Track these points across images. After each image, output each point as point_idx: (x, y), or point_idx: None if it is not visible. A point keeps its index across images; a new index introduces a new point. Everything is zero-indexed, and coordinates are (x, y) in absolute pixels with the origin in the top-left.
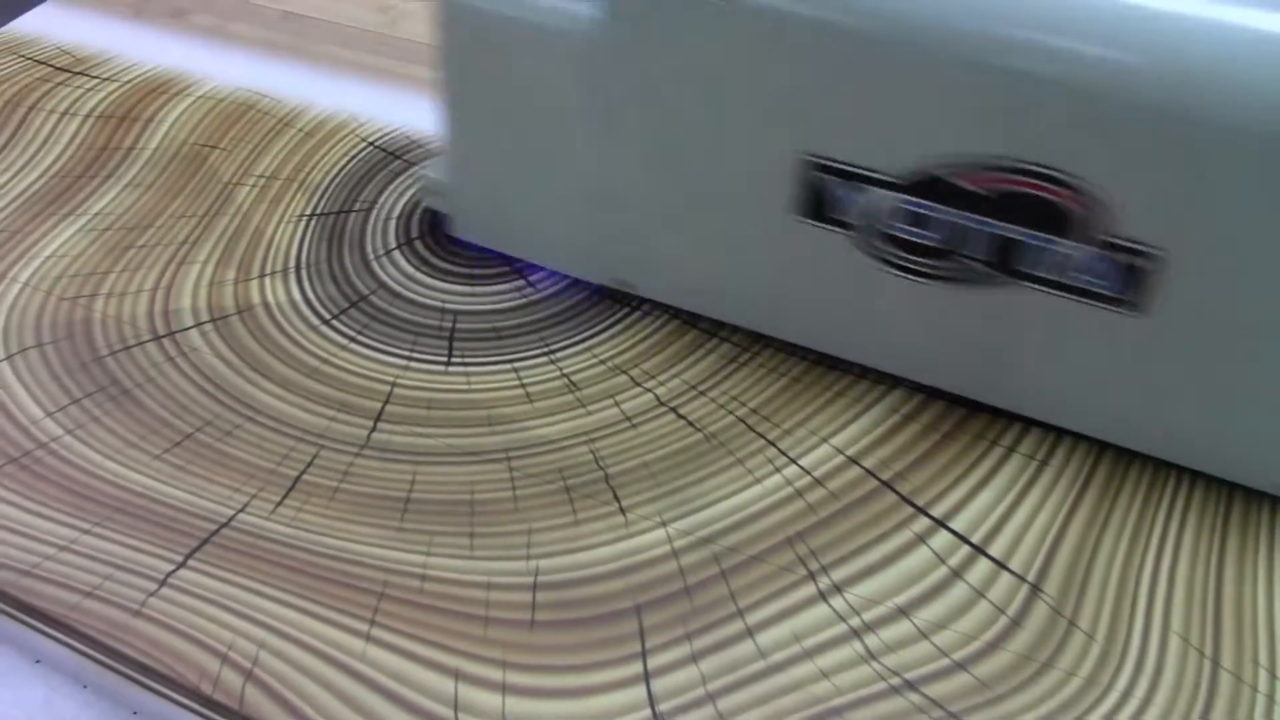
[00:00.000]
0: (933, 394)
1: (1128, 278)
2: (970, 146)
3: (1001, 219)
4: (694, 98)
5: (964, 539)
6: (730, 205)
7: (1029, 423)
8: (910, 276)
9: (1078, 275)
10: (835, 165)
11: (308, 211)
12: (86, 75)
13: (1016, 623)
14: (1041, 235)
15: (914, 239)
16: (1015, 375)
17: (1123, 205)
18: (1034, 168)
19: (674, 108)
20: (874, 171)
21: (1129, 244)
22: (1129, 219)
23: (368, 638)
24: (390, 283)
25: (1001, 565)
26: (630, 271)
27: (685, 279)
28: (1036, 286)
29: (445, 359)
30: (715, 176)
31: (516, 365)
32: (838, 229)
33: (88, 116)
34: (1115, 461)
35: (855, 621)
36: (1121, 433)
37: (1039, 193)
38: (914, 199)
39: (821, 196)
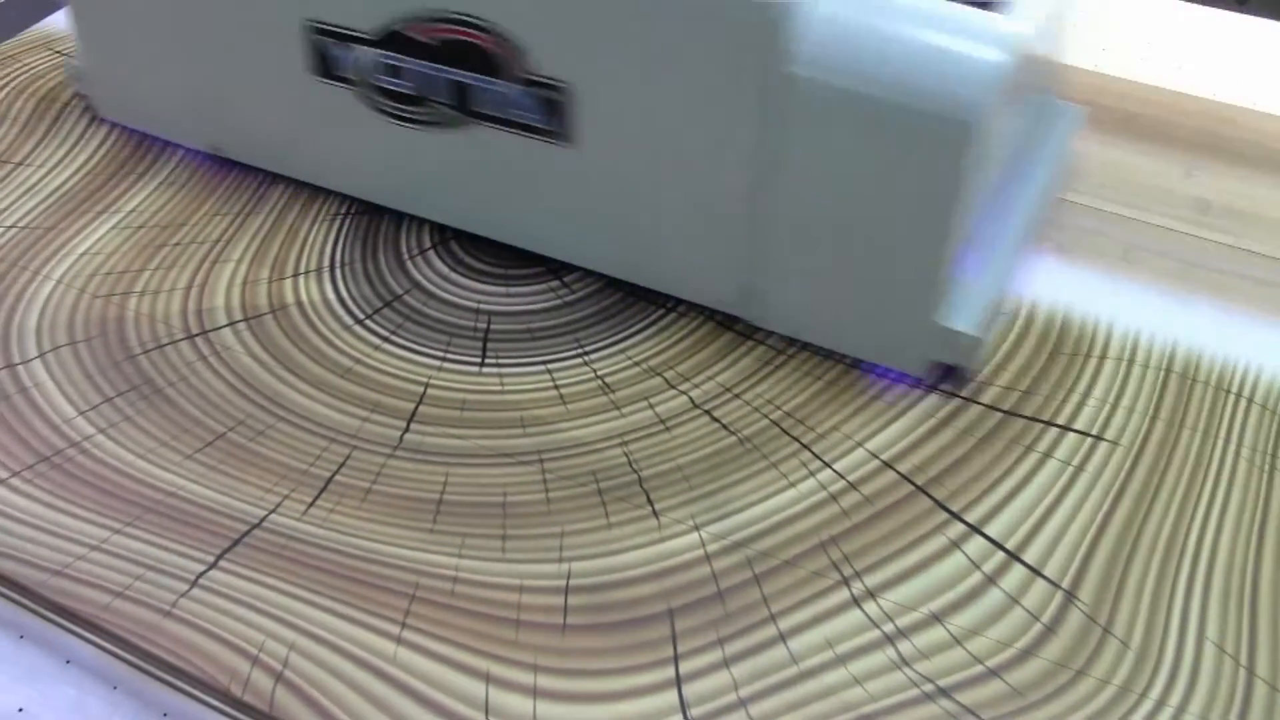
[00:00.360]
0: (967, 400)
1: (549, 111)
2: (416, 2)
3: (448, 64)
4: None
5: (998, 545)
6: (270, 68)
7: (1064, 429)
8: (402, 123)
9: (516, 112)
10: (327, 27)
11: (342, 210)
12: None
13: (1050, 630)
14: (479, 77)
15: (395, 89)
16: (491, 205)
17: (531, 45)
18: (459, 16)
19: None
20: (354, 30)
21: (543, 80)
22: (538, 57)
23: (399, 640)
24: (424, 282)
25: (1036, 572)
26: (217, 135)
27: (250, 138)
28: (490, 124)
29: (479, 360)
30: (255, 42)
31: (550, 366)
32: (344, 85)
33: None
34: (1151, 468)
35: (888, 627)
36: (574, 252)
37: (468, 38)
38: (386, 53)
39: (325, 56)
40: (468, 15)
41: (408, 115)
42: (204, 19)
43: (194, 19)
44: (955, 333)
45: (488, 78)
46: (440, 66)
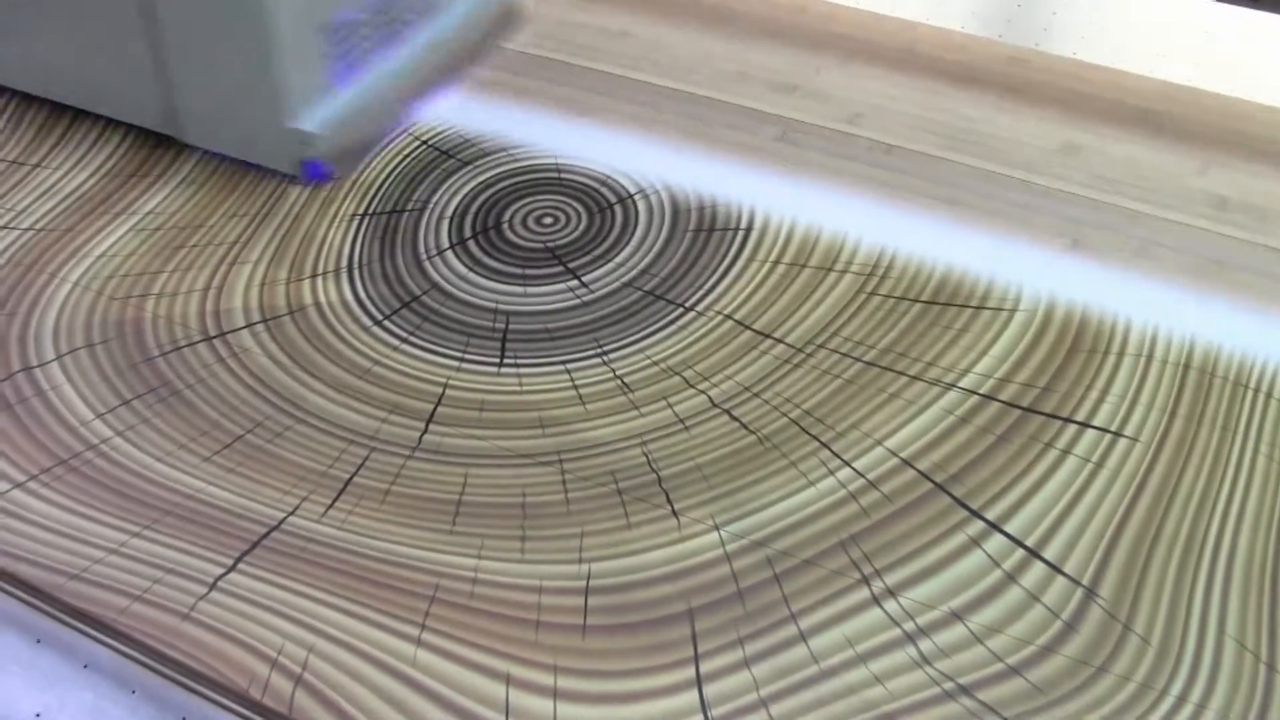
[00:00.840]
0: (986, 397)
1: None
2: None
3: None
4: None
5: (1018, 542)
6: None
7: (1083, 425)
8: None
9: None
10: None
11: (360, 211)
12: None
13: (1071, 627)
14: None
15: None
16: None
17: None
18: None
19: None
20: None
21: None
22: None
23: (418, 642)
24: (443, 283)
25: (1056, 569)
26: None
27: None
28: None
29: (498, 360)
30: None
31: (569, 366)
32: None
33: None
34: (1170, 464)
35: (909, 626)
36: (43, 86)
37: None
38: None
39: None
40: None
41: None
42: None
43: None
44: (305, 133)
45: None
46: None
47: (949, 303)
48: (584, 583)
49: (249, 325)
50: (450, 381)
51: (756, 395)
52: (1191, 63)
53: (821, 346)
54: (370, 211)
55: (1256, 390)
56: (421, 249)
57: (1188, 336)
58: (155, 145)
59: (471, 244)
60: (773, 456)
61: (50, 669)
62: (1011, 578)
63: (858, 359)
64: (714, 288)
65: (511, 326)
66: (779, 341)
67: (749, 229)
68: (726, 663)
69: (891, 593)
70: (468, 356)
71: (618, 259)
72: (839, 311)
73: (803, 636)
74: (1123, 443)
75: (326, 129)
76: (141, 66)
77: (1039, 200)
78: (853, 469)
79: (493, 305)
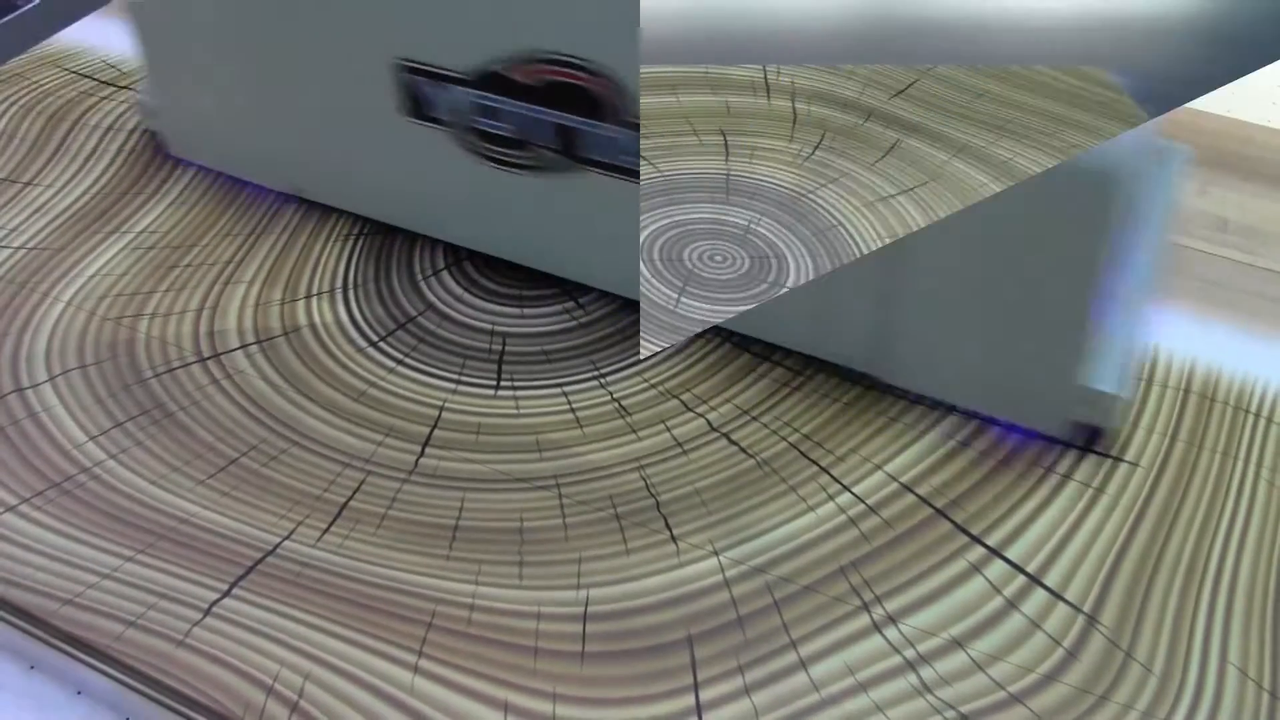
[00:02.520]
0: (986, 420)
1: None
2: (515, 41)
3: (550, 106)
4: (307, 10)
5: (1019, 568)
6: (357, 109)
7: (1085, 450)
8: (500, 167)
9: (624, 158)
10: (419, 66)
11: (355, 230)
12: (131, 89)
13: (1072, 654)
14: (585, 120)
15: (492, 130)
16: (602, 253)
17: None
18: (563, 57)
19: (292, 20)
20: (448, 70)
21: None
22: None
23: (415, 669)
24: (438, 304)
25: (1057, 595)
26: (300, 177)
27: (336, 181)
28: (599, 171)
29: (494, 382)
30: (342, 82)
31: (566, 389)
32: (436, 126)
33: (133, 131)
34: (1171, 489)
35: (910, 653)
36: None
37: (572, 80)
38: (483, 93)
39: (417, 96)
40: (573, 56)
41: (508, 159)
42: (287, 56)
43: (276, 56)
44: (1097, 392)
45: (593, 120)
46: (542, 109)
47: None
48: (582, 609)
49: (243, 346)
50: (446, 404)
51: (755, 419)
52: None
53: (821, 369)
54: (365, 231)
55: (1258, 414)
56: (417, 269)
57: (1188, 360)
58: (148, 163)
59: (467, 264)
60: (772, 481)
61: (43, 696)
62: (1012, 604)
63: (857, 381)
64: None
65: (508, 348)
66: (778, 364)
67: None
68: (726, 690)
69: (892, 619)
70: (464, 379)
71: None
72: None
73: (803, 664)
74: (1123, 468)
75: (1118, 385)
76: (856, 303)
77: None
78: (852, 494)
79: (489, 327)
